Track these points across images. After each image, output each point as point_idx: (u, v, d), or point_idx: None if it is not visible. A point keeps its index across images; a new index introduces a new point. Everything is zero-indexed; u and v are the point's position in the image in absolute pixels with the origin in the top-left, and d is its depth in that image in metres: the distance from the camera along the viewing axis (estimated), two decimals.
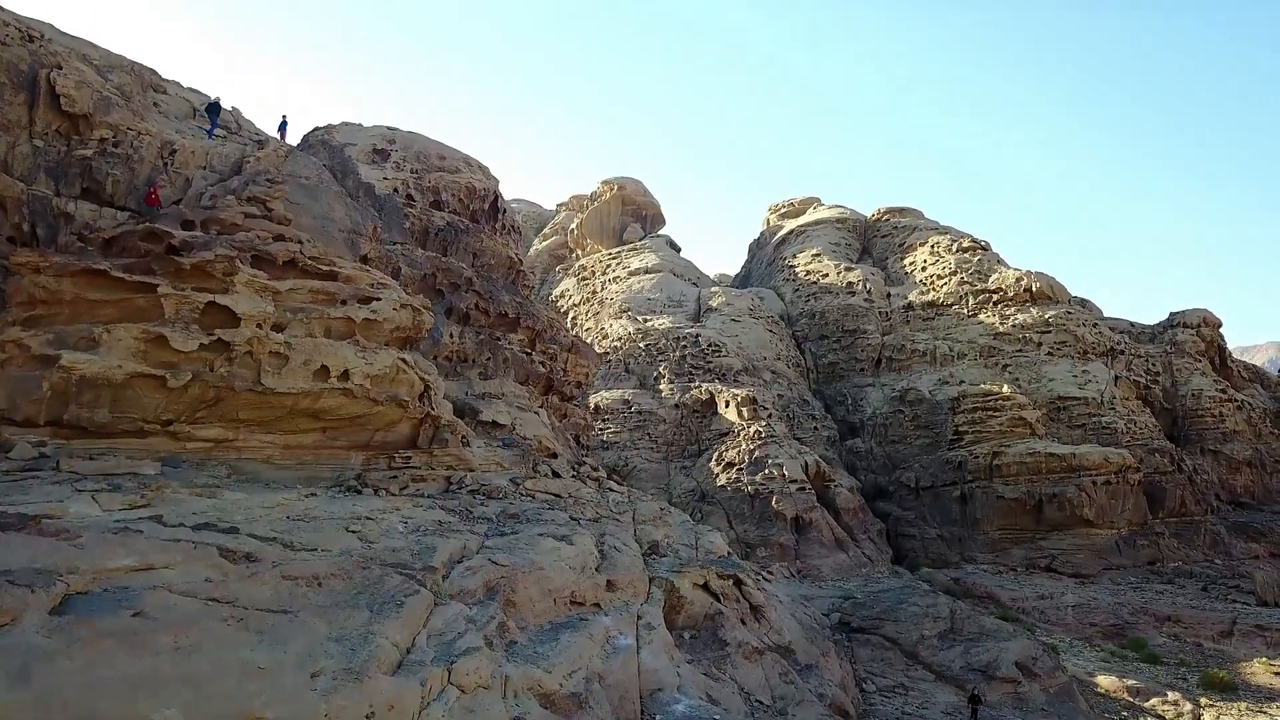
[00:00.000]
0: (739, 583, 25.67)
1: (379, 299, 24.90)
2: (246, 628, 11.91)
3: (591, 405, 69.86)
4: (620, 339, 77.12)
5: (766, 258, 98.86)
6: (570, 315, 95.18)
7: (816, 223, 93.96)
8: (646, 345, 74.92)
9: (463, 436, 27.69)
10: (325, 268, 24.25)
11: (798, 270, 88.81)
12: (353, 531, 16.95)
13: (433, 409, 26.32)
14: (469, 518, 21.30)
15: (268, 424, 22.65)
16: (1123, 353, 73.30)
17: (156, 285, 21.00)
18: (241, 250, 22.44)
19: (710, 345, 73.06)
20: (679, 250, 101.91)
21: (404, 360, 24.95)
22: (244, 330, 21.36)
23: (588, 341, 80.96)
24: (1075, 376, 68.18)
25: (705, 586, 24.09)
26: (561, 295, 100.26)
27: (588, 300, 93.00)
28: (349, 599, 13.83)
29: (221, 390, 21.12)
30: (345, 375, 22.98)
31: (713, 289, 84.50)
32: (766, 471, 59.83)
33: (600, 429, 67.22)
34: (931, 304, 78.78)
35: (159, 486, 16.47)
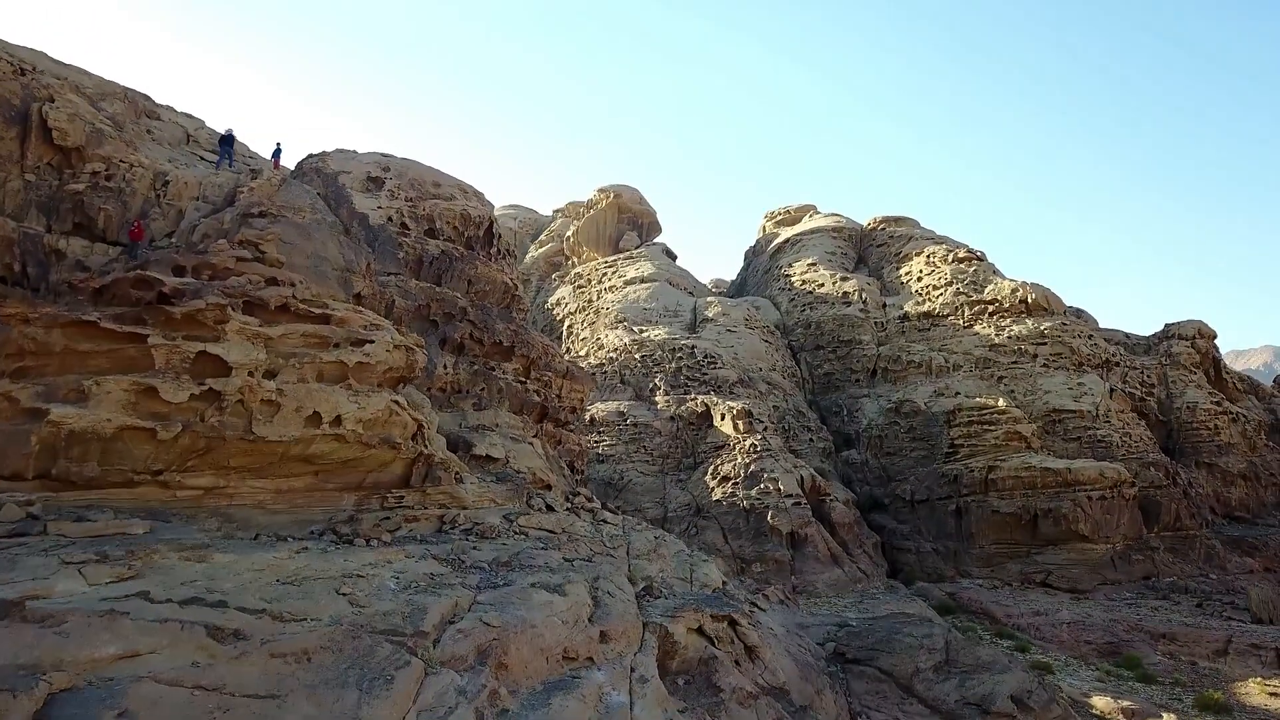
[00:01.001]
0: (733, 623, 25.56)
1: (372, 341, 24.78)
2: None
3: (587, 418, 69.83)
4: (616, 350, 77.03)
5: (763, 266, 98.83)
6: (566, 323, 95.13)
7: (812, 231, 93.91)
8: (642, 357, 74.83)
9: (456, 473, 27.58)
10: (318, 311, 24.12)
11: (793, 279, 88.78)
12: (344, 594, 16.83)
13: (425, 448, 26.20)
14: (461, 567, 21.19)
15: (260, 470, 22.53)
16: (1118, 365, 73.38)
17: (147, 335, 20.89)
18: (233, 297, 22.31)
19: (706, 357, 73.01)
20: (675, 258, 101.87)
21: (397, 403, 24.82)
22: (235, 379, 21.26)
23: (584, 353, 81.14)
24: (1070, 389, 68.17)
25: (700, 630, 23.99)
26: (557, 303, 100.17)
27: (584, 309, 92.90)
28: (338, 676, 13.73)
29: (213, 440, 21.01)
30: (338, 421, 22.88)
31: (708, 299, 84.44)
32: (762, 486, 59.78)
33: (596, 441, 67.15)
34: (927, 315, 78.76)
35: (148, 553, 16.34)
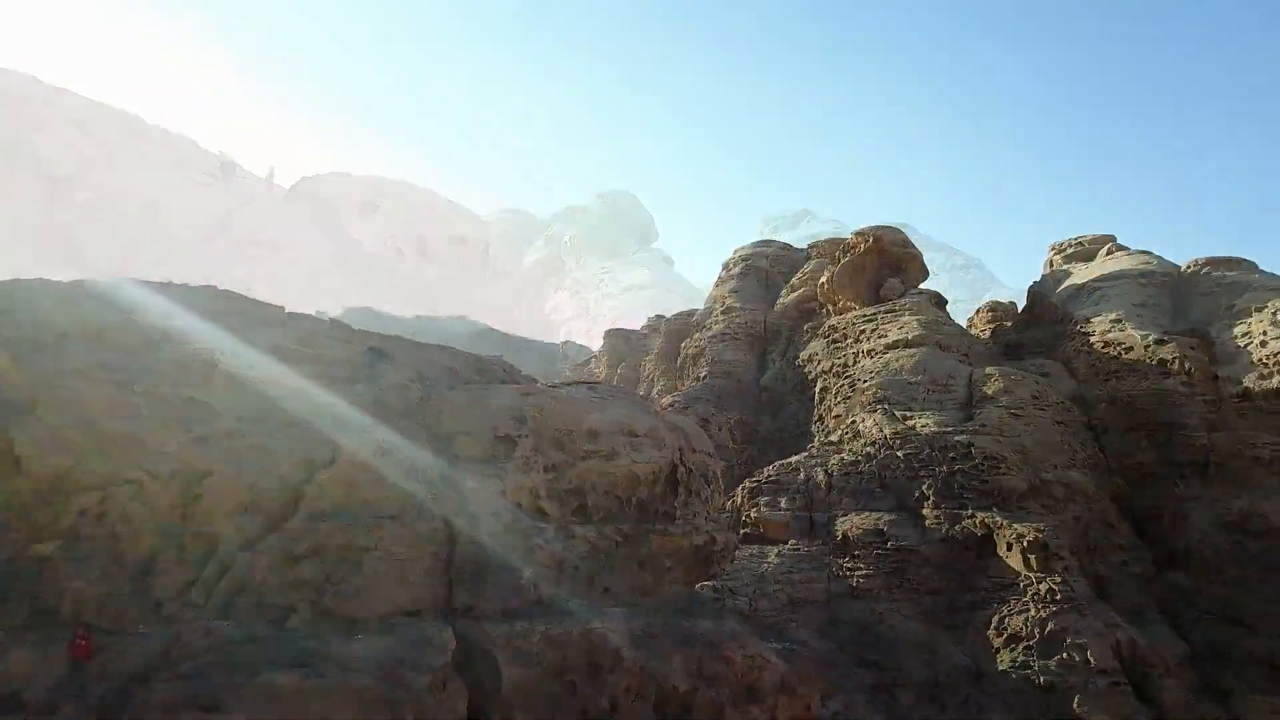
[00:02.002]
0: None
1: None
2: None
3: (839, 534, 59.53)
4: (875, 443, 65.61)
5: (1050, 313, 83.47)
6: (818, 384, 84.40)
7: (1114, 277, 77.74)
8: (906, 455, 63.01)
9: None
10: None
11: (1092, 339, 73.33)
12: None
13: None
14: None
15: None
16: None
17: None
18: None
19: (986, 459, 60.20)
20: (945, 305, 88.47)
21: None
22: None
23: (836, 439, 70.33)
24: None
25: None
26: (809, 359, 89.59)
27: (838, 373, 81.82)
28: None
29: None
30: None
31: (988, 371, 70.84)
32: (1064, 655, 47.20)
33: (849, 570, 56.56)
34: (1277, 393, 61.88)
35: None
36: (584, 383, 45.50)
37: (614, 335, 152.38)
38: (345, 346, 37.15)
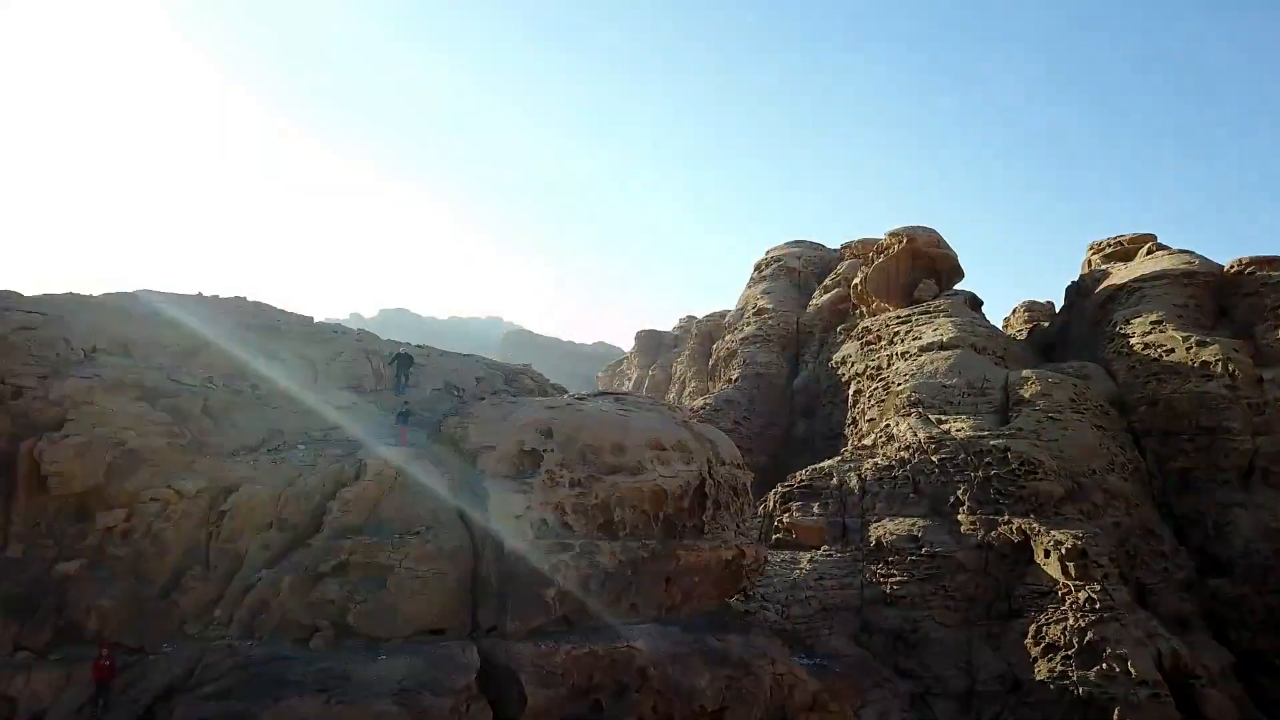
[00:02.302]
0: None
1: None
2: None
3: (872, 540, 58.87)
4: (909, 447, 64.69)
5: (1089, 314, 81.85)
6: (852, 387, 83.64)
7: (1155, 277, 76.02)
8: (941, 460, 62.08)
9: None
10: None
11: (1132, 341, 71.86)
12: None
13: None
14: None
15: None
16: None
17: None
18: None
19: (1023, 463, 59.14)
20: (980, 306, 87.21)
21: None
22: None
23: (869, 443, 69.57)
24: None
25: None
26: (843, 361, 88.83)
27: (871, 375, 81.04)
28: None
29: None
30: None
31: (1024, 374, 69.64)
32: (1104, 666, 46.25)
33: (883, 578, 55.83)
34: None
35: None
36: (611, 394, 45.03)
37: (645, 336, 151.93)
38: (373, 357, 37.02)
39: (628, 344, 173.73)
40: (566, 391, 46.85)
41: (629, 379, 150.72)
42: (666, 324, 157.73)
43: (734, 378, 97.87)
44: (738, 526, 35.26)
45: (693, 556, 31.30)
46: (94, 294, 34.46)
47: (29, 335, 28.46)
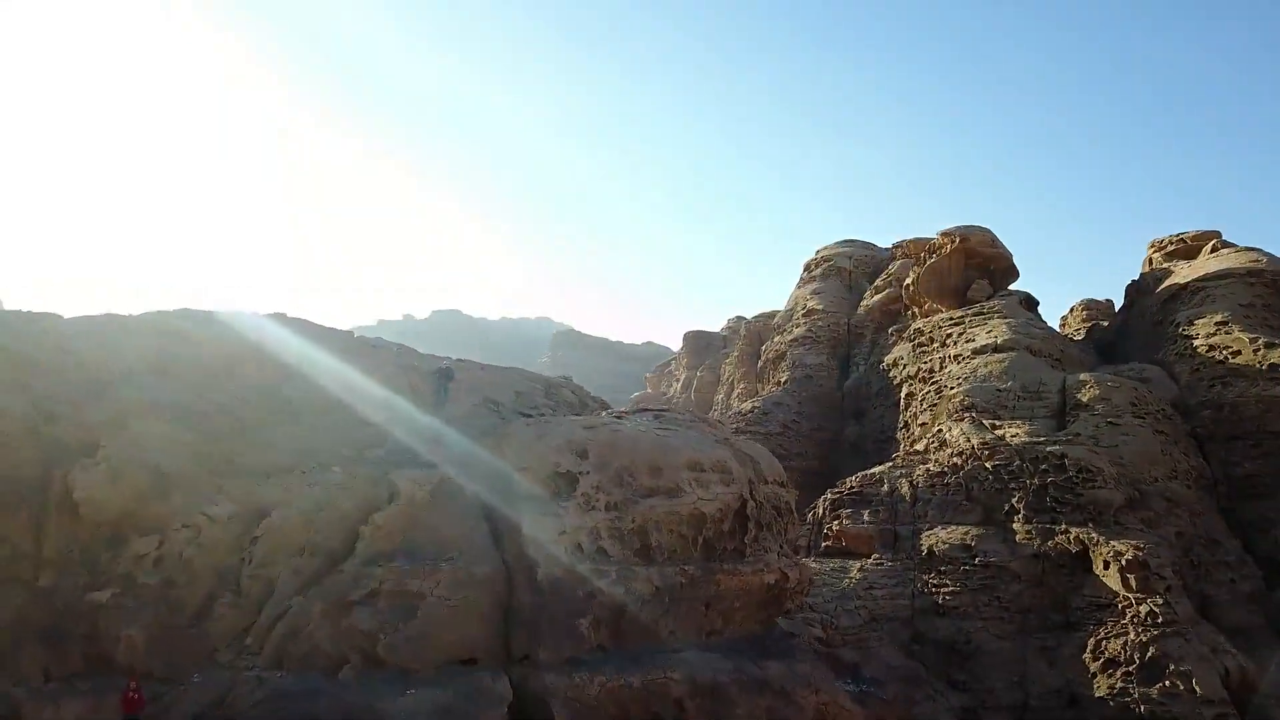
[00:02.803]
0: None
1: None
2: None
3: (924, 548, 57.60)
4: (962, 453, 63.11)
5: (1150, 313, 79.40)
6: (904, 389, 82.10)
7: (1219, 277, 73.45)
8: (995, 466, 60.41)
9: None
10: None
11: (1195, 343, 69.53)
12: None
13: None
14: None
15: None
16: None
17: None
18: None
19: (1080, 470, 57.31)
20: (1036, 306, 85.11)
21: None
22: None
23: (921, 448, 68.14)
24: None
25: None
26: (894, 364, 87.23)
27: (924, 379, 79.40)
28: None
29: None
30: None
31: (1081, 377, 67.70)
32: (1166, 683, 44.64)
33: (935, 587, 54.55)
34: None
35: None
36: (650, 410, 44.06)
37: (694, 337, 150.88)
38: (411, 372, 36.67)
39: (676, 344, 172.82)
40: (607, 405, 46.23)
41: (677, 380, 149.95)
42: (715, 324, 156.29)
43: (783, 380, 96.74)
44: (780, 547, 34.28)
45: (733, 581, 30.42)
46: (131, 313, 34.51)
47: (65, 359, 28.49)
